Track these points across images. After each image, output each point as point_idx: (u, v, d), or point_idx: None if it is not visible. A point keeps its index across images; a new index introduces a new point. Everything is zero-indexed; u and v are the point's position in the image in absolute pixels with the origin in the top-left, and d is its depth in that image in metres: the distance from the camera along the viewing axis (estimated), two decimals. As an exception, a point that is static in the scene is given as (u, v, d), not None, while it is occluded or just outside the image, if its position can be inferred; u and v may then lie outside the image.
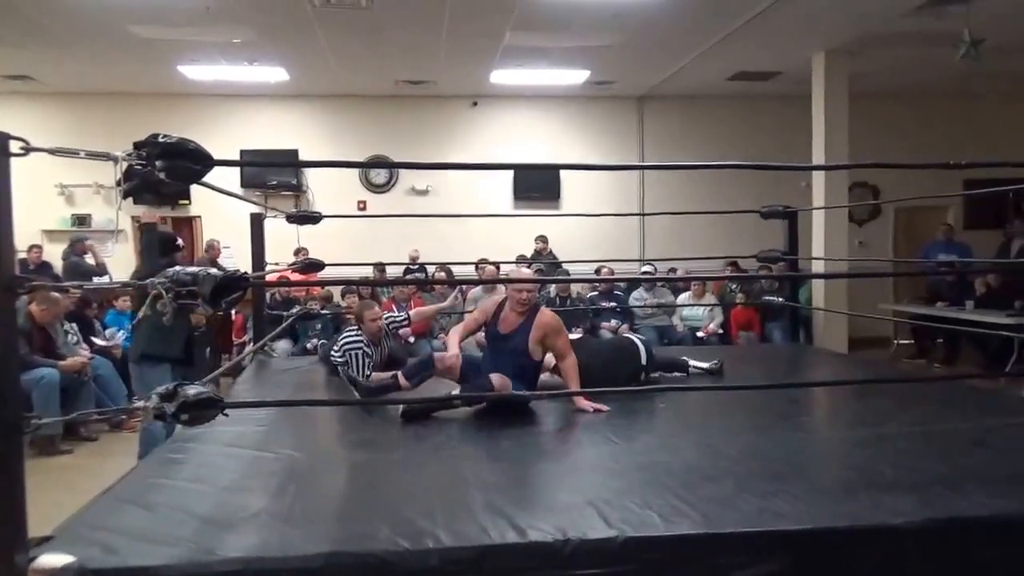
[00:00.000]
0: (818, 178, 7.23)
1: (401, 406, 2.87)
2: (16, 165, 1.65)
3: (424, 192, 8.77)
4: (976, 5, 5.37)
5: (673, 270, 7.52)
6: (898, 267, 8.32)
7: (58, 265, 7.71)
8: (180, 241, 4.10)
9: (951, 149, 8.04)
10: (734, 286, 7.41)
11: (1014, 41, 6.48)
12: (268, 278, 5.12)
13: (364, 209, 8.60)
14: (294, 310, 5.10)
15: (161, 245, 3.95)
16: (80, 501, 1.94)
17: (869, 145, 7.48)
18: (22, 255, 7.53)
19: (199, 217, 8.44)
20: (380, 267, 7.34)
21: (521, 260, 7.75)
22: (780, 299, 5.87)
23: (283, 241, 4.93)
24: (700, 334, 6.94)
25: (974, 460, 2.21)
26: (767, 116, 8.71)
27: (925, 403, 2.97)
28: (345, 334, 3.75)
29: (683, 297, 7.23)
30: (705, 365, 3.66)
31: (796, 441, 2.57)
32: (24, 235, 7.92)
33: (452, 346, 3.06)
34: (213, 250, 7.40)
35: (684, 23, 6.04)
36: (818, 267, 6.60)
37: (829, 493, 1.94)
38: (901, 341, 8.29)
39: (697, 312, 7.15)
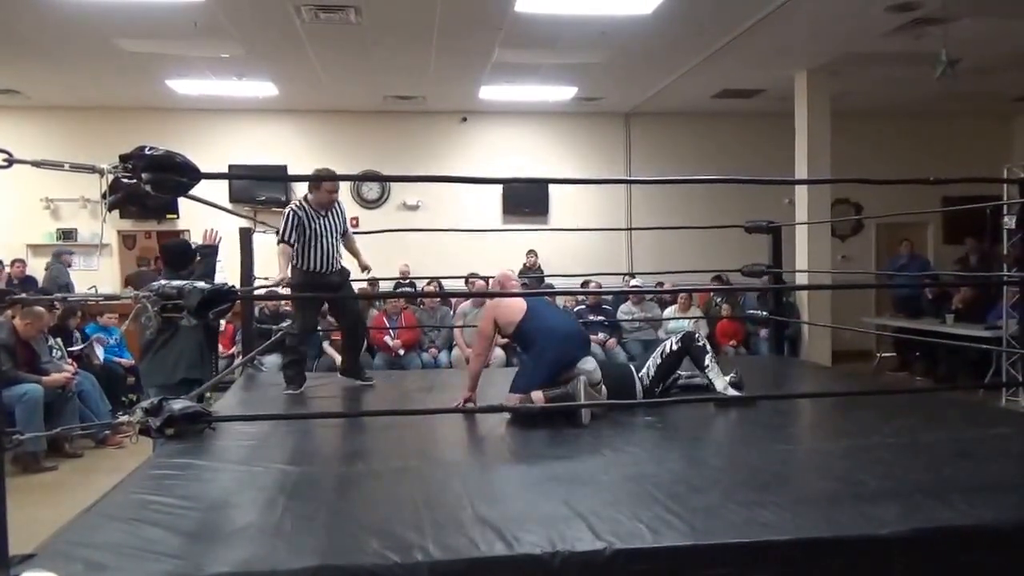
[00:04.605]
0: (801, 194, 7.35)
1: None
2: (1, 179, 1.65)
3: (415, 207, 8.79)
4: (952, 26, 5.52)
5: (660, 283, 7.58)
6: (880, 281, 8.49)
7: (43, 278, 7.64)
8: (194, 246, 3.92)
9: (930, 166, 8.21)
10: (719, 299, 7.48)
11: (989, 61, 6.66)
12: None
13: (356, 225, 8.57)
14: (283, 324, 5.07)
15: (176, 257, 3.77)
16: (64, 518, 1.91)
17: (851, 162, 7.63)
18: (5, 269, 7.45)
19: (187, 231, 8.40)
20: (371, 281, 7.33)
21: (510, 271, 7.79)
22: (765, 312, 5.93)
23: (272, 256, 4.91)
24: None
25: (957, 470, 2.24)
26: (751, 133, 8.86)
27: (908, 415, 3.00)
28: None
29: (669, 310, 7.28)
30: (721, 383, 3.24)
31: (782, 452, 2.59)
32: (8, 249, 7.85)
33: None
34: None
35: (669, 42, 6.15)
36: (801, 281, 6.68)
37: (815, 503, 1.96)
38: (884, 354, 8.41)
39: (682, 324, 7.20)
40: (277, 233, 3.66)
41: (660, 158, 8.97)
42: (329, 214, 3.68)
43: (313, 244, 3.62)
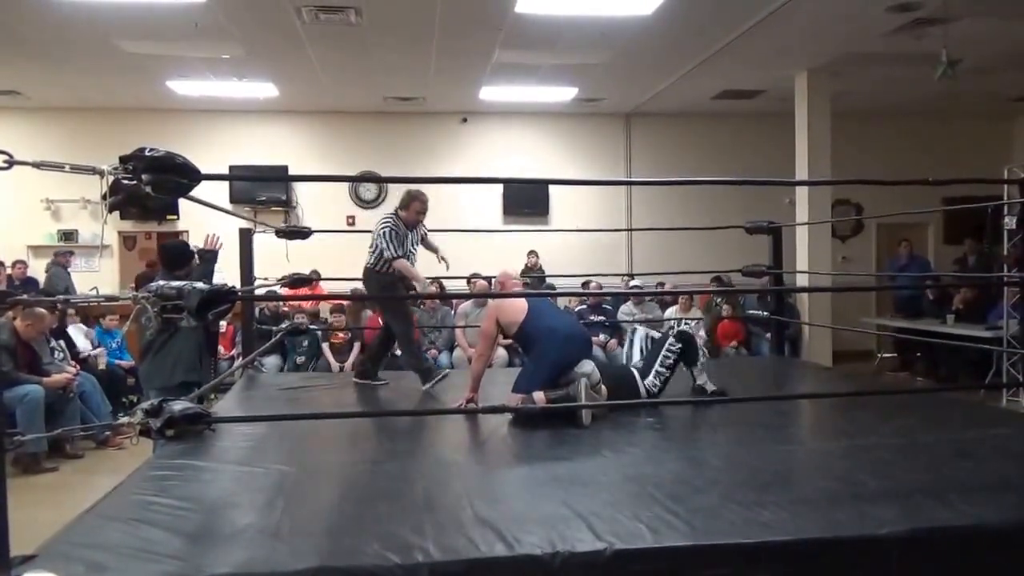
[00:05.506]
0: (802, 194, 7.36)
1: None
2: (2, 180, 1.65)
3: (413, 207, 8.79)
4: (953, 26, 5.52)
5: (661, 284, 7.58)
6: (880, 282, 8.50)
7: (44, 280, 7.65)
8: (193, 249, 3.91)
9: (930, 167, 8.23)
10: (719, 300, 7.49)
11: (990, 61, 6.66)
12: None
13: (353, 224, 8.60)
14: (283, 325, 5.07)
15: (174, 257, 3.75)
16: (65, 519, 1.91)
17: (851, 163, 7.63)
18: (6, 271, 7.46)
19: (187, 232, 8.40)
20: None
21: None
22: (766, 312, 5.93)
23: (272, 256, 4.92)
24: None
25: (957, 471, 2.24)
26: (751, 133, 8.86)
27: (908, 415, 3.00)
28: (382, 217, 3.91)
29: (670, 311, 7.29)
30: (703, 379, 3.40)
31: (782, 453, 2.59)
32: (9, 250, 7.86)
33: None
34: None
35: (670, 42, 6.15)
36: (802, 281, 6.68)
37: (814, 504, 1.96)
38: (884, 354, 8.40)
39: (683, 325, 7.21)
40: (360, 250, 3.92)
41: (660, 159, 8.97)
42: (414, 230, 3.96)
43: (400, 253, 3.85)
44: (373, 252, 3.87)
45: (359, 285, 6.46)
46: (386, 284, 3.85)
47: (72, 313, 5.98)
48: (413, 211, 3.86)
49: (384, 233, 3.78)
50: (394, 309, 4.04)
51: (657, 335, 3.44)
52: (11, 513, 1.58)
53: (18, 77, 7.14)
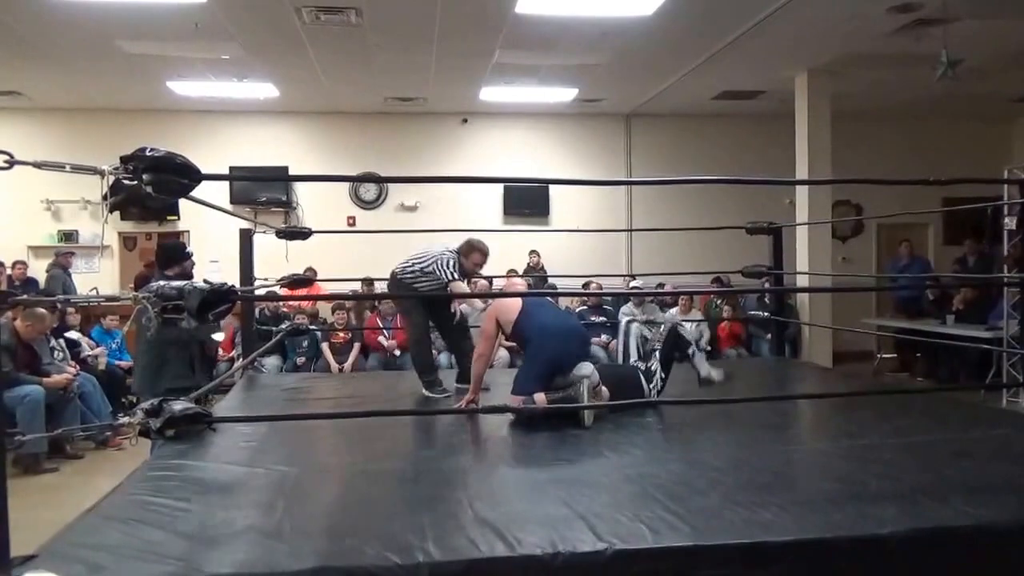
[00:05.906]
0: (802, 195, 7.35)
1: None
2: (2, 180, 1.65)
3: (413, 208, 8.80)
4: (953, 27, 5.52)
5: (661, 285, 7.58)
6: (881, 282, 8.49)
7: (44, 280, 7.65)
8: (190, 249, 3.92)
9: (930, 167, 8.20)
10: (719, 301, 7.49)
11: (990, 62, 6.66)
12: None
13: (353, 225, 8.61)
14: (283, 325, 5.07)
15: (169, 256, 3.74)
16: (65, 519, 1.91)
17: (851, 163, 7.63)
18: (7, 271, 7.46)
19: (187, 232, 8.41)
20: (368, 282, 7.35)
21: (511, 273, 7.80)
22: (766, 313, 5.93)
23: (272, 257, 4.92)
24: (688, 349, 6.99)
25: (957, 471, 2.24)
26: (751, 134, 8.86)
27: (908, 415, 3.00)
28: (441, 253, 3.82)
29: (671, 312, 7.28)
30: (705, 374, 3.40)
31: (782, 453, 2.59)
32: (9, 251, 7.86)
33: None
34: None
35: (670, 43, 6.16)
36: (802, 282, 6.68)
37: (815, 504, 1.96)
38: (884, 355, 8.40)
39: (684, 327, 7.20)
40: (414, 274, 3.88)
41: (660, 159, 8.97)
42: (468, 278, 3.97)
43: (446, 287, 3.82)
44: (417, 270, 3.80)
45: (358, 286, 6.48)
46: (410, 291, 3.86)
47: (73, 312, 5.98)
48: (472, 261, 3.84)
49: (449, 263, 3.75)
50: (410, 316, 4.05)
51: (650, 334, 3.44)
52: (11, 513, 1.58)
53: (18, 77, 7.14)
